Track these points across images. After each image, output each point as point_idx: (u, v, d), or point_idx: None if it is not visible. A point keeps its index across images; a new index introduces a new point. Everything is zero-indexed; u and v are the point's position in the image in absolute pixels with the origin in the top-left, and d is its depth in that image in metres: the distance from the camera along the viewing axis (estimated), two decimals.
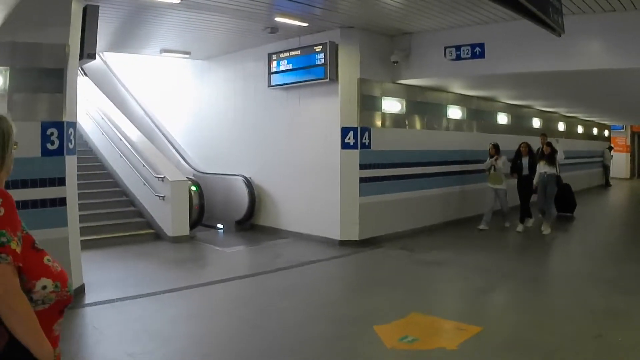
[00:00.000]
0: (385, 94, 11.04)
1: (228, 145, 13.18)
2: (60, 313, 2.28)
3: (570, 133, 21.59)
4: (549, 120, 19.12)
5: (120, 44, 12.33)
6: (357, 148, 10.45)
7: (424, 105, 12.07)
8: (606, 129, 27.75)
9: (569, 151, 19.98)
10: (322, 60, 10.48)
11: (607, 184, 25.71)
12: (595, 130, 25.62)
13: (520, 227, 12.24)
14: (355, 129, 10.42)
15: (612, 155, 26.49)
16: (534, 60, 9.12)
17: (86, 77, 15.81)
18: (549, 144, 11.95)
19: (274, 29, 10.29)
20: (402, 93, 11.41)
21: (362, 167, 10.52)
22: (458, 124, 13.27)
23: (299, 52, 11.02)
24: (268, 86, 11.69)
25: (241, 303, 7.19)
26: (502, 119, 15.55)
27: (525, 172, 12.18)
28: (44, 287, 2.17)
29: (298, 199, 11.51)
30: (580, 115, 22.09)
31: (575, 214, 14.68)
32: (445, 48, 10.11)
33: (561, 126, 20.53)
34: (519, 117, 16.62)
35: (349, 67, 10.47)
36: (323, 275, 8.80)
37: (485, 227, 12.28)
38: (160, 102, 15.51)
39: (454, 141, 12.68)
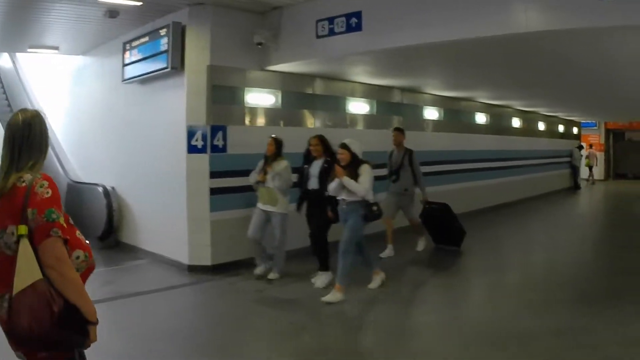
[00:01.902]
0: (250, 84, 8.99)
1: (97, 149, 11.42)
2: (86, 280, 2.66)
3: (528, 131, 19.48)
4: (499, 116, 17.02)
5: None
6: (206, 152, 8.39)
7: (311, 97, 10.04)
8: (575, 126, 25.64)
9: (520, 151, 18.13)
10: (166, 46, 8.53)
11: (576, 187, 23.68)
12: (561, 128, 23.46)
13: (320, 280, 7.65)
14: (204, 129, 8.36)
15: (582, 155, 24.39)
16: (428, 28, 6.89)
17: None
18: (346, 147, 7.15)
19: (113, 12, 8.54)
20: (277, 83, 9.37)
21: (214, 175, 8.46)
22: (365, 121, 11.17)
23: (147, 38, 9.13)
24: (122, 80, 9.84)
25: None
26: (432, 114, 13.44)
27: (314, 185, 7.72)
28: (77, 257, 2.61)
29: (151, 213, 9.67)
30: (541, 110, 19.99)
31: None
32: (318, 22, 8.07)
33: (516, 123, 18.38)
34: (456, 113, 14.55)
35: (197, 52, 8.51)
36: (127, 317, 6.67)
37: (261, 271, 8.08)
38: (48, 103, 13.69)
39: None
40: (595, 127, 28.46)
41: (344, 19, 7.74)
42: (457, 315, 6.79)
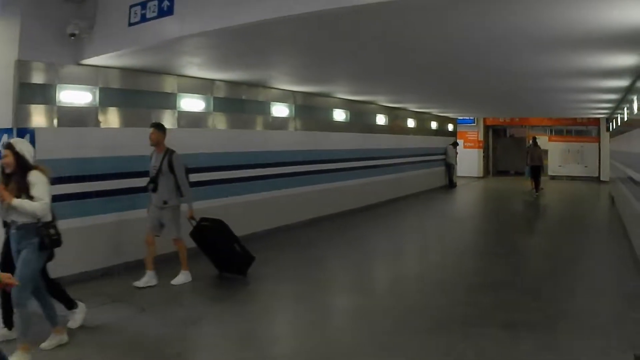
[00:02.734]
0: (64, 80, 9.23)
1: None
2: None
3: (396, 128, 20.92)
4: (361, 112, 18.22)
5: None
6: None
7: (134, 95, 10.35)
8: (450, 122, 27.37)
9: (386, 149, 19.15)
10: None
11: (451, 185, 25.31)
12: (434, 124, 25.09)
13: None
14: (9, 131, 8.54)
15: (457, 153, 25.99)
16: (238, 8, 6.61)
17: None
18: (10, 146, 5.93)
19: None
20: (94, 79, 9.65)
21: None
22: (200, 120, 11.70)
23: None
24: None
25: None
26: (281, 110, 14.19)
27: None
28: None
29: None
30: (411, 106, 21.28)
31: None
32: (131, 7, 8.21)
33: (381, 119, 19.62)
34: (310, 109, 15.47)
35: (5, 46, 8.67)
36: None
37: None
38: None
39: (185, 143, 10.84)
40: (473, 124, 30.36)
41: (156, 2, 7.81)
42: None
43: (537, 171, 22.79)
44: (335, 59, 10.22)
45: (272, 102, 13.85)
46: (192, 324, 7.27)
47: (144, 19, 7.96)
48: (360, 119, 18.14)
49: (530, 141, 24.68)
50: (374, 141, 18.76)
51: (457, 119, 28.85)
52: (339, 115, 16.87)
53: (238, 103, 12.72)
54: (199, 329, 7.19)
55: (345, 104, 17.08)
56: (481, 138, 31.15)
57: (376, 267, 11.01)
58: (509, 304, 7.95)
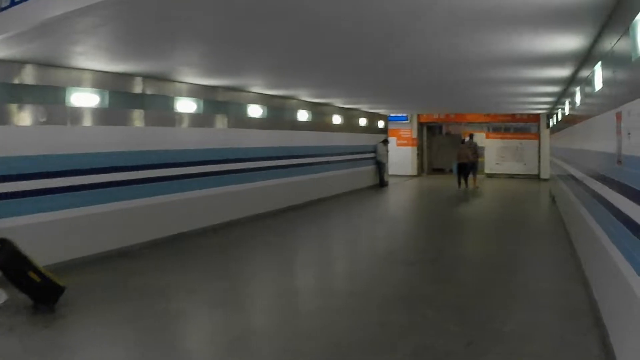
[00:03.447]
0: None
1: None
2: None
3: (320, 125, 21.13)
4: (280, 108, 18.28)
5: None
6: None
7: (20, 89, 10.03)
8: (381, 119, 27.67)
9: (308, 147, 19.23)
10: None
11: (382, 184, 25.74)
12: (363, 121, 25.37)
13: None
14: None
15: (387, 151, 26.38)
16: None
17: None
18: None
19: None
20: None
21: None
22: (95, 116, 11.44)
23: None
24: None
25: None
26: (187, 106, 14.06)
27: None
28: None
29: None
30: (337, 102, 21.38)
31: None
32: None
33: (303, 116, 19.74)
34: (221, 104, 15.40)
35: None
36: None
37: None
38: None
39: (78, 142, 10.69)
40: (406, 121, 30.84)
41: None
42: None
43: (463, 168, 23.68)
44: (240, 44, 9.13)
45: (176, 97, 13.68)
46: (68, 349, 6.78)
47: (12, 2, 7.59)
48: (280, 115, 18.19)
49: (468, 138, 25.33)
50: (296, 139, 18.87)
51: (389, 115, 29.31)
52: (255, 111, 16.82)
53: (137, 98, 12.51)
54: (74, 353, 6.66)
55: (263, 99, 17.05)
56: (415, 135, 31.81)
57: (281, 278, 10.34)
58: (426, 324, 7.20)
